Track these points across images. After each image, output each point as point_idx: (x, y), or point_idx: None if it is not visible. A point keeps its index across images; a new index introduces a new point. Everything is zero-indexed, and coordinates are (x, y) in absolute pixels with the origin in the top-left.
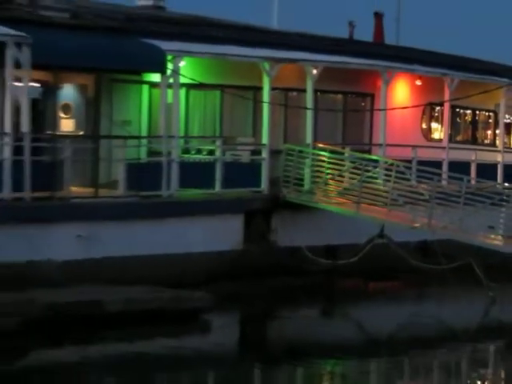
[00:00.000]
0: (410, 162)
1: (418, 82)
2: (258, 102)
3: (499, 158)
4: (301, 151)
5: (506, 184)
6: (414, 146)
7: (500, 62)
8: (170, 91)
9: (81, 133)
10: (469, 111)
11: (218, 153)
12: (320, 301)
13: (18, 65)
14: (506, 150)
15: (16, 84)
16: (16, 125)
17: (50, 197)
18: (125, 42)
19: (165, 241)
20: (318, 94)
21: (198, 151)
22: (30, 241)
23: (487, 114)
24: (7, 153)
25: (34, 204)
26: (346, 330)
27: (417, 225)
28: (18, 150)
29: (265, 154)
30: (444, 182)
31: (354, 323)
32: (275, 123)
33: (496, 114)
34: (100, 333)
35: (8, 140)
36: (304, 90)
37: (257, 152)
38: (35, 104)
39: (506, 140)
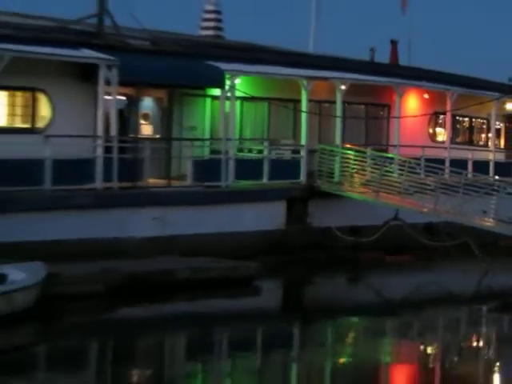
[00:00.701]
0: (419, 159)
1: (426, 96)
2: (297, 112)
3: (491, 156)
4: (331, 150)
5: (497, 177)
6: (422, 147)
7: (491, 79)
8: (227, 103)
9: (157, 136)
10: (466, 119)
11: (265, 152)
12: (346, 270)
13: (108, 82)
14: (496, 150)
15: (106, 97)
16: (106, 129)
17: (133, 186)
18: (192, 64)
19: (223, 221)
20: (346, 104)
21: (250, 150)
22: (116, 221)
23: (481, 121)
24: (99, 151)
25: (119, 192)
26: (367, 293)
27: (424, 209)
28: (107, 150)
29: (303, 153)
30: (446, 176)
31: (374, 288)
32: (311, 128)
33: (488, 121)
34: (171, 295)
35: (100, 142)
36: (334, 102)
37: (296, 151)
38: (121, 113)
39: (496, 142)
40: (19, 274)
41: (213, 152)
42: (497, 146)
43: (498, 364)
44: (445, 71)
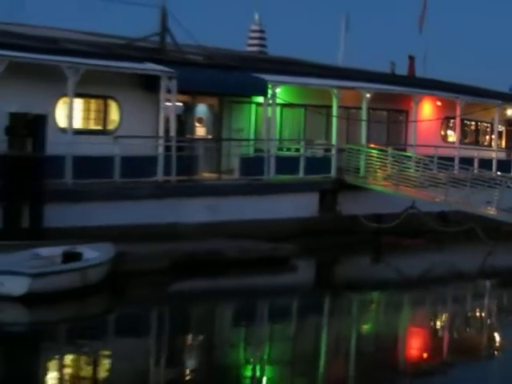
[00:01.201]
0: (432, 157)
1: (438, 103)
2: (329, 116)
3: (494, 155)
4: (358, 149)
5: (499, 173)
6: (435, 146)
7: (494, 89)
8: (269, 109)
9: (209, 136)
10: (473, 123)
11: (301, 150)
12: (370, 251)
13: (168, 91)
14: (498, 149)
15: (167, 104)
16: (166, 131)
17: (189, 179)
18: (240, 75)
19: (265, 209)
20: (370, 110)
21: (288, 149)
22: (175, 209)
23: (486, 124)
24: (160, 150)
25: (178, 184)
26: (388, 271)
27: (437, 200)
28: (167, 148)
29: (333, 151)
30: (456, 171)
31: (393, 267)
32: (340, 130)
33: (492, 124)
34: (221, 271)
35: (161, 141)
36: (360, 108)
37: (328, 150)
38: (179, 117)
39: (498, 143)
40: (92, 253)
41: (257, 150)
42: (499, 146)
43: (497, 329)
44: (455, 82)
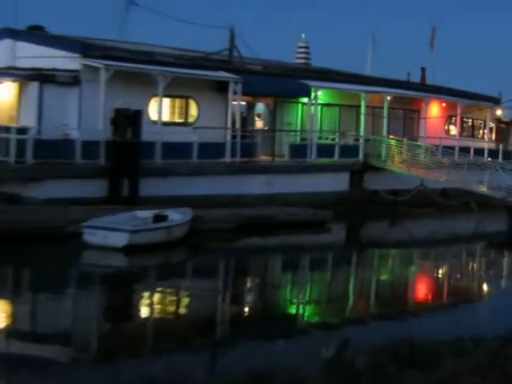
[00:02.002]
0: (437, 146)
1: (443, 104)
2: (358, 114)
3: (485, 145)
4: (380, 139)
5: (489, 159)
6: (440, 138)
7: (487, 94)
8: (312, 107)
9: (266, 128)
10: (470, 120)
11: (336, 139)
12: (388, 218)
13: (234, 93)
14: (489, 141)
15: (233, 103)
16: (233, 123)
17: (249, 161)
18: (289, 81)
19: (308, 184)
20: (390, 109)
21: (326, 138)
22: (239, 183)
23: (480, 121)
24: (228, 138)
25: (241, 164)
26: (401, 232)
27: (441, 179)
28: (233, 137)
29: (361, 141)
30: (456, 157)
31: (406, 230)
32: (367, 125)
33: (484, 121)
34: (274, 231)
35: (229, 131)
36: (382, 108)
37: (357, 139)
38: (243, 113)
39: (489, 136)
40: (176, 216)
41: (302, 139)
42: (490, 139)
43: (486, 278)
44: (456, 88)
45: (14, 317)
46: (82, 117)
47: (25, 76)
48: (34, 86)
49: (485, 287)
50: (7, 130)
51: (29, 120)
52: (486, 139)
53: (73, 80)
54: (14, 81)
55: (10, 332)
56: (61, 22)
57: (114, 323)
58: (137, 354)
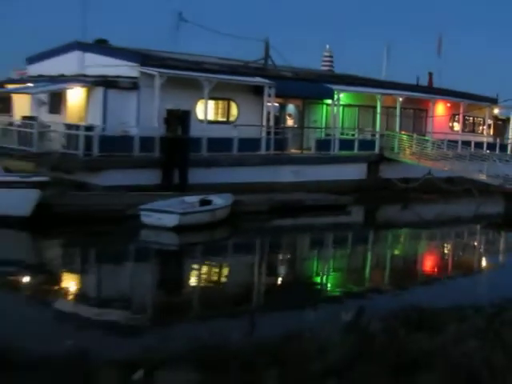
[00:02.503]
0: (443, 140)
1: (448, 104)
2: (374, 113)
3: (485, 139)
4: (393, 135)
5: (488, 151)
6: (445, 133)
7: (486, 95)
8: (335, 108)
9: (295, 125)
10: (471, 118)
11: (356, 135)
12: (400, 202)
13: (269, 95)
14: (488, 136)
15: (268, 104)
16: (267, 122)
17: (281, 154)
18: (316, 85)
19: (331, 173)
20: (402, 109)
21: (347, 134)
22: (272, 172)
23: (480, 119)
24: (263, 134)
25: (274, 157)
26: (411, 215)
27: (446, 168)
28: (268, 133)
29: (377, 136)
30: (459, 150)
31: (415, 212)
32: (382, 122)
33: (484, 119)
34: (302, 214)
35: (264, 129)
36: (395, 107)
37: (373, 135)
38: (275, 113)
39: (488, 131)
40: (219, 200)
41: (326, 135)
42: (488, 134)
43: (485, 253)
44: (459, 90)
45: (82, 284)
46: (140, 116)
47: (92, 82)
48: (99, 91)
49: (484, 262)
50: (77, 127)
51: (95, 119)
52: (485, 134)
53: (132, 85)
54: (83, 86)
55: (80, 297)
56: (122, 35)
57: (166, 291)
58: (185, 318)
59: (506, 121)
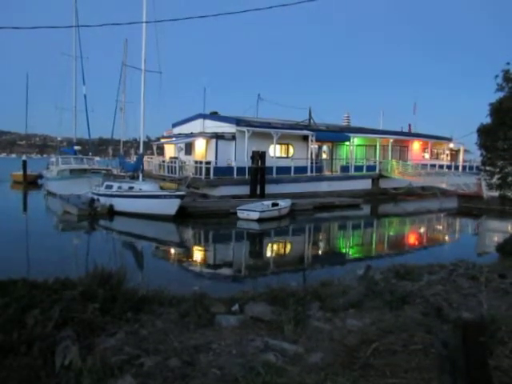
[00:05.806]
0: (418, 164)
1: (421, 142)
2: (375, 149)
3: (445, 163)
4: (387, 161)
5: (447, 169)
6: (419, 160)
7: (444, 135)
8: (351, 147)
9: (328, 158)
10: (436, 150)
11: (364, 162)
12: (392, 201)
13: (311, 141)
14: (447, 161)
15: (311, 146)
16: (311, 156)
17: (320, 175)
18: (340, 134)
19: (349, 185)
20: (392, 146)
21: (359, 162)
22: (314, 186)
23: (441, 150)
24: (309, 163)
25: (315, 176)
26: (401, 209)
27: (420, 180)
28: (311, 162)
29: (377, 163)
30: (428, 169)
31: (402, 207)
32: (380, 154)
33: (444, 150)
34: (333, 210)
35: (309, 161)
36: (388, 145)
37: (375, 162)
38: (316, 151)
39: (446, 158)
40: (283, 203)
41: (346, 163)
42: (446, 160)
43: (447, 231)
44: (428, 133)
45: (203, 254)
46: (237, 155)
47: (209, 136)
48: (213, 141)
49: (446, 236)
50: (201, 162)
51: (211, 157)
52: (445, 160)
53: (232, 137)
54: (204, 138)
55: (202, 261)
56: (226, 108)
57: (254, 258)
58: (264, 272)
59: (457, 151)
